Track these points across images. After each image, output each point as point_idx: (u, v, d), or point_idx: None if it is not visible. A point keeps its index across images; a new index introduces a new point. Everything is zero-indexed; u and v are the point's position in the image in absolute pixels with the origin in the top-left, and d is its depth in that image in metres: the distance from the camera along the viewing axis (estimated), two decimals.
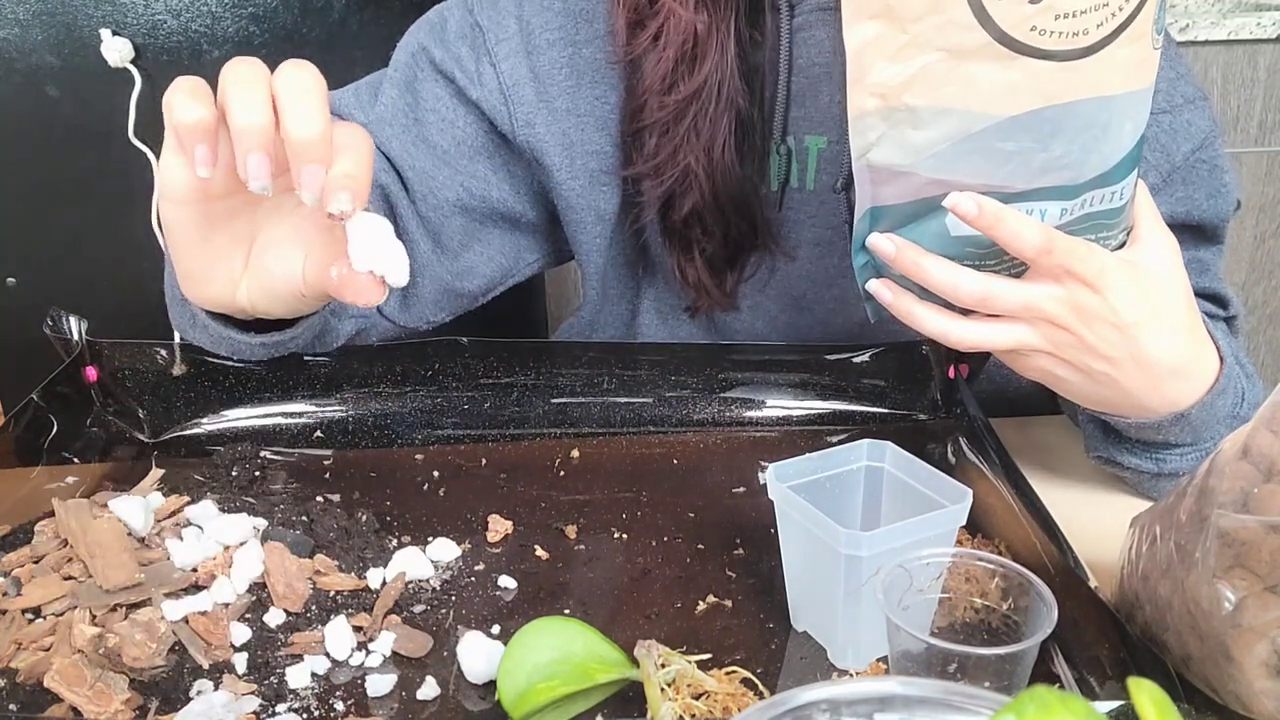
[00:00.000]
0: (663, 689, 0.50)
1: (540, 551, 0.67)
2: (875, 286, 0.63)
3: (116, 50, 1.29)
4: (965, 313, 0.62)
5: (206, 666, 0.56)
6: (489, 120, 0.81)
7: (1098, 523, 0.68)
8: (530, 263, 0.89)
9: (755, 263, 0.82)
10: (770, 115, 0.77)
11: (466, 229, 0.84)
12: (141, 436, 0.79)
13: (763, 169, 0.78)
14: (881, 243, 0.60)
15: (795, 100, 0.76)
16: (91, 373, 0.79)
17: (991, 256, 0.60)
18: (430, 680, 0.55)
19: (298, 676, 0.55)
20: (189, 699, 0.54)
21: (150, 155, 1.29)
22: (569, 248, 0.89)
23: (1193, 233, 0.79)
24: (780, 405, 0.83)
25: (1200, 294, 0.78)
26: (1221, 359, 0.66)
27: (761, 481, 0.74)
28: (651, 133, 0.76)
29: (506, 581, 0.64)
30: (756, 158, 0.77)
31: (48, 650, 0.57)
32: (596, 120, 0.81)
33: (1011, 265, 0.60)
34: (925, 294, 0.62)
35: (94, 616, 0.59)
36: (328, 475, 0.76)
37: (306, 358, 0.82)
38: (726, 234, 0.78)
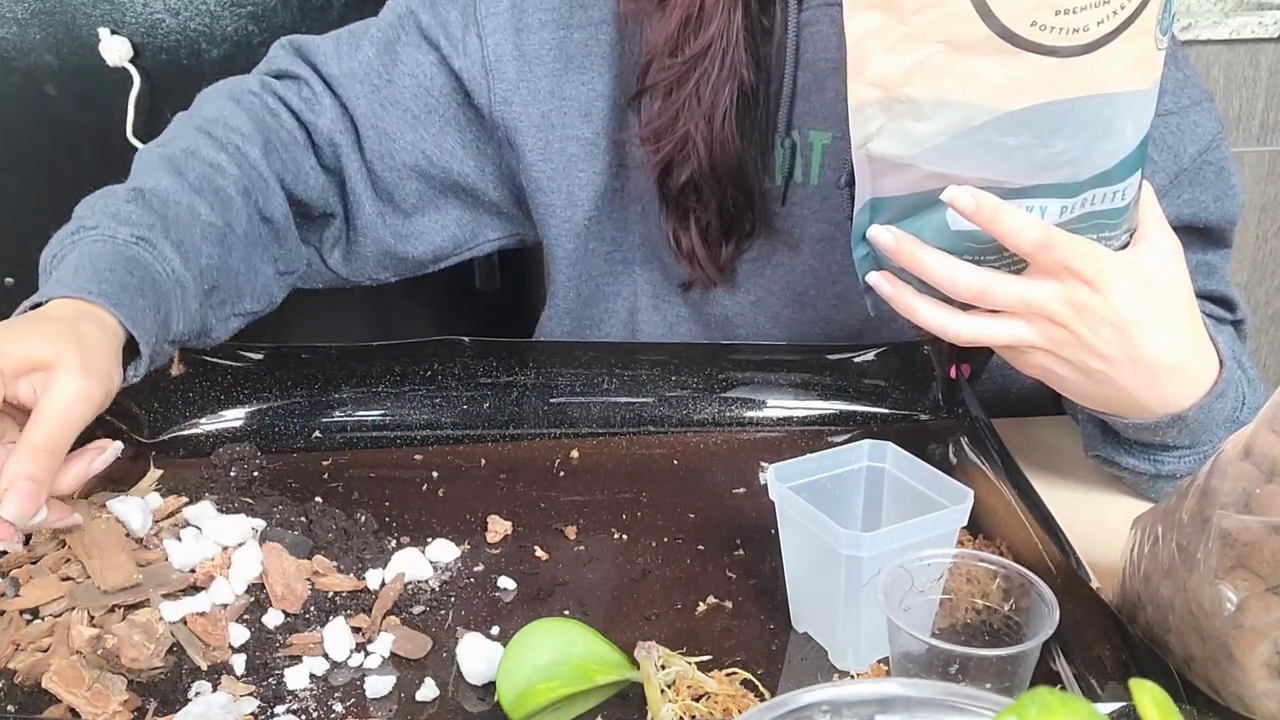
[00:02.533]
0: (663, 690, 0.50)
1: (540, 552, 0.66)
2: (875, 278, 0.63)
3: (115, 49, 1.28)
4: (964, 308, 0.62)
5: (205, 668, 0.56)
6: (466, 92, 0.82)
7: (1099, 523, 0.68)
8: (491, 240, 0.90)
9: (751, 240, 0.81)
10: (775, 107, 0.77)
11: (423, 194, 0.85)
12: (139, 437, 0.78)
13: (766, 157, 0.78)
14: (881, 234, 0.60)
15: (800, 94, 0.77)
16: None
17: (991, 252, 0.60)
18: (429, 681, 0.55)
19: (296, 678, 0.55)
20: (187, 700, 0.54)
21: None
22: (521, 230, 0.89)
23: (1200, 235, 0.79)
24: (781, 405, 0.82)
25: (1207, 297, 0.78)
26: (1221, 362, 0.66)
27: (762, 482, 0.73)
28: (653, 96, 0.76)
29: (506, 582, 0.64)
30: (758, 135, 0.77)
31: (46, 651, 0.56)
32: (579, 105, 0.81)
33: (1012, 262, 0.60)
34: (925, 287, 0.62)
35: (92, 617, 0.58)
36: (326, 476, 0.76)
37: (304, 355, 0.82)
38: (722, 205, 0.78)
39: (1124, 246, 0.62)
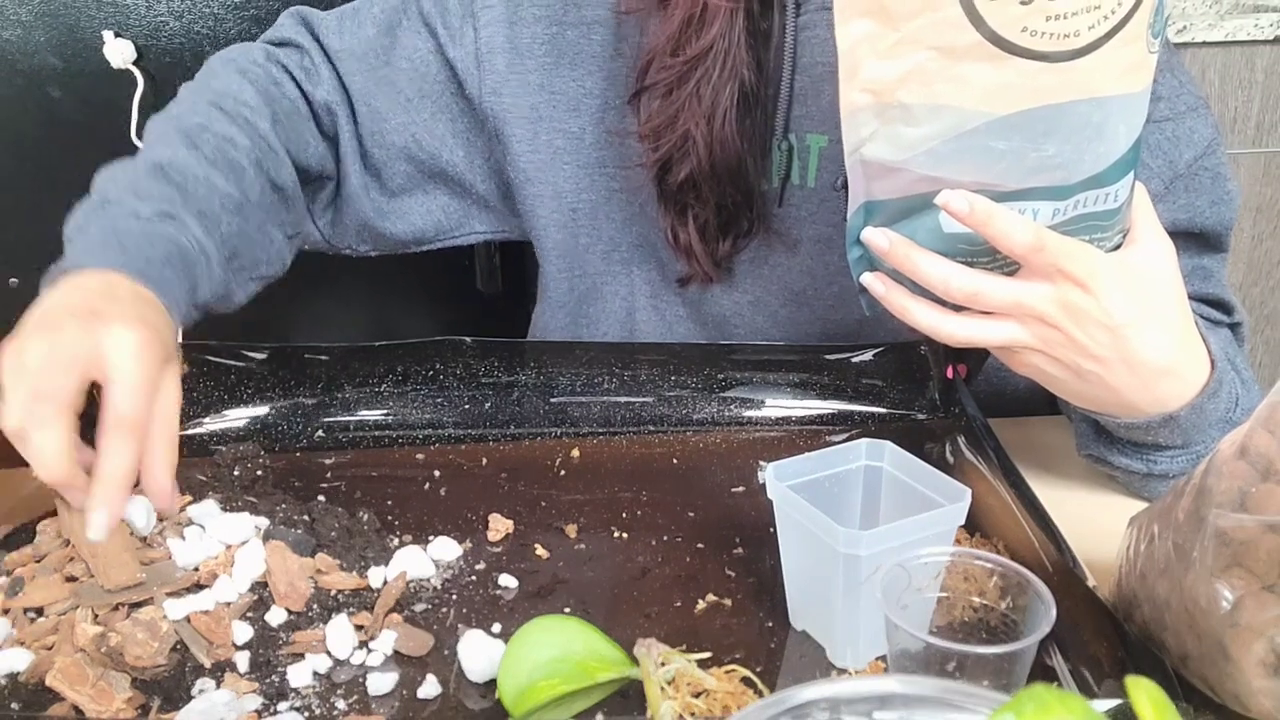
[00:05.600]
0: (662, 687, 0.51)
1: (540, 550, 0.67)
2: (869, 279, 0.64)
3: (119, 52, 1.29)
4: (958, 309, 0.62)
5: (208, 665, 0.56)
6: (459, 81, 0.83)
7: (1096, 522, 0.68)
8: (479, 231, 0.91)
9: (749, 239, 0.82)
10: (773, 110, 0.77)
11: (411, 176, 0.87)
12: None
13: (764, 159, 0.79)
14: (875, 237, 0.61)
15: (798, 98, 0.77)
16: None
17: (984, 254, 0.60)
18: (431, 679, 0.55)
19: (299, 675, 0.56)
20: (191, 697, 0.54)
21: None
22: (518, 227, 0.90)
23: (1196, 240, 0.79)
24: (780, 405, 0.83)
25: (1204, 300, 0.79)
26: (1213, 363, 0.66)
27: (761, 481, 0.74)
28: (654, 95, 0.77)
29: (507, 580, 0.64)
30: (758, 136, 0.77)
31: (50, 649, 0.57)
32: (569, 101, 0.82)
33: (1005, 264, 0.61)
34: (918, 289, 0.62)
35: (96, 615, 0.59)
36: (329, 475, 0.76)
37: (307, 355, 0.82)
38: (720, 203, 0.79)
39: (1117, 248, 0.63)
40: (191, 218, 0.70)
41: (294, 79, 0.84)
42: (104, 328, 0.57)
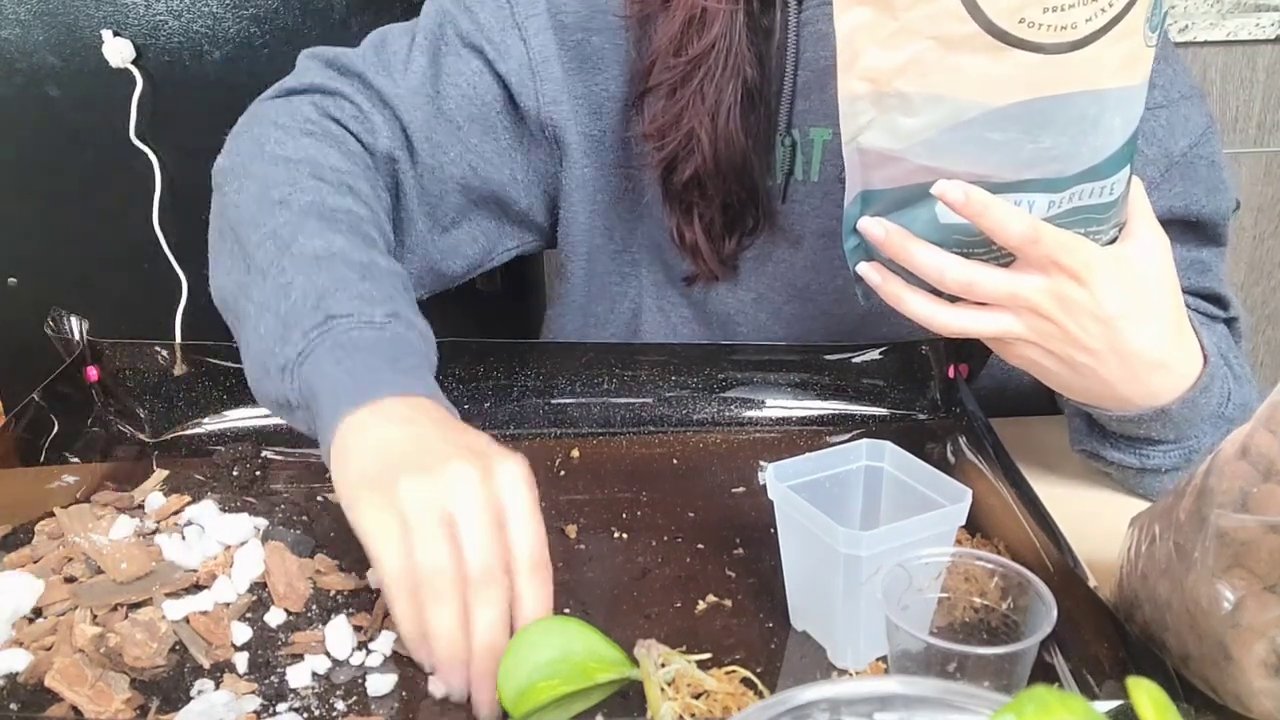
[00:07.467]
0: (662, 688, 0.51)
1: None
2: (864, 269, 0.64)
3: (118, 51, 1.29)
4: (953, 299, 0.62)
5: (207, 666, 0.56)
6: (512, 95, 0.80)
7: (1097, 522, 0.68)
8: (508, 249, 0.88)
9: (754, 236, 0.82)
10: (776, 106, 0.77)
11: (461, 208, 0.84)
12: (142, 436, 0.79)
13: (768, 155, 0.79)
14: (871, 226, 0.61)
15: (800, 93, 0.77)
16: (92, 373, 0.79)
17: (980, 245, 0.60)
18: (431, 679, 0.55)
19: (298, 676, 0.56)
20: (190, 698, 0.54)
21: (151, 155, 1.29)
22: (539, 237, 0.89)
23: (1193, 230, 0.79)
24: (780, 405, 0.83)
25: (1201, 295, 0.79)
26: (1205, 357, 0.66)
27: (761, 481, 0.74)
28: (658, 94, 0.77)
29: None
30: (762, 132, 0.77)
31: (49, 650, 0.57)
32: (592, 106, 0.82)
33: (1000, 255, 0.61)
34: (914, 279, 0.62)
35: (95, 616, 0.59)
36: (328, 475, 0.76)
37: None
38: (725, 201, 0.79)
39: (1112, 241, 0.63)
40: (405, 306, 0.66)
41: (351, 133, 0.79)
42: (491, 462, 0.56)
